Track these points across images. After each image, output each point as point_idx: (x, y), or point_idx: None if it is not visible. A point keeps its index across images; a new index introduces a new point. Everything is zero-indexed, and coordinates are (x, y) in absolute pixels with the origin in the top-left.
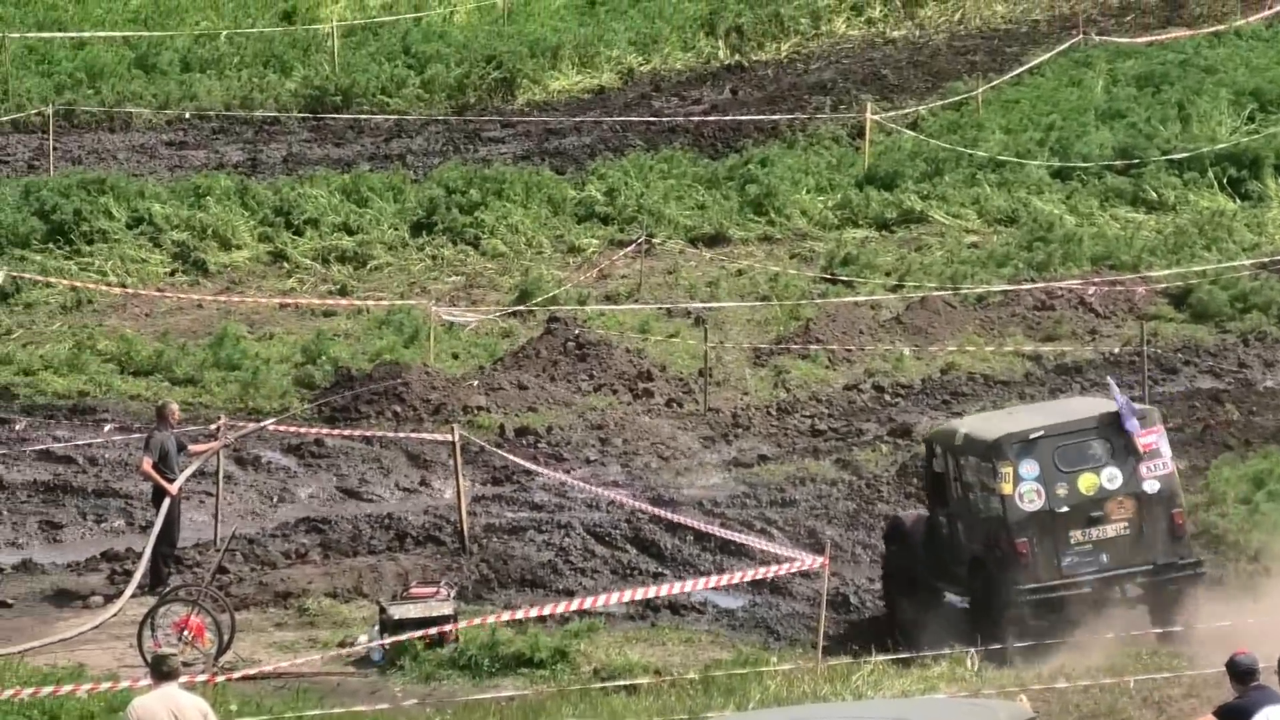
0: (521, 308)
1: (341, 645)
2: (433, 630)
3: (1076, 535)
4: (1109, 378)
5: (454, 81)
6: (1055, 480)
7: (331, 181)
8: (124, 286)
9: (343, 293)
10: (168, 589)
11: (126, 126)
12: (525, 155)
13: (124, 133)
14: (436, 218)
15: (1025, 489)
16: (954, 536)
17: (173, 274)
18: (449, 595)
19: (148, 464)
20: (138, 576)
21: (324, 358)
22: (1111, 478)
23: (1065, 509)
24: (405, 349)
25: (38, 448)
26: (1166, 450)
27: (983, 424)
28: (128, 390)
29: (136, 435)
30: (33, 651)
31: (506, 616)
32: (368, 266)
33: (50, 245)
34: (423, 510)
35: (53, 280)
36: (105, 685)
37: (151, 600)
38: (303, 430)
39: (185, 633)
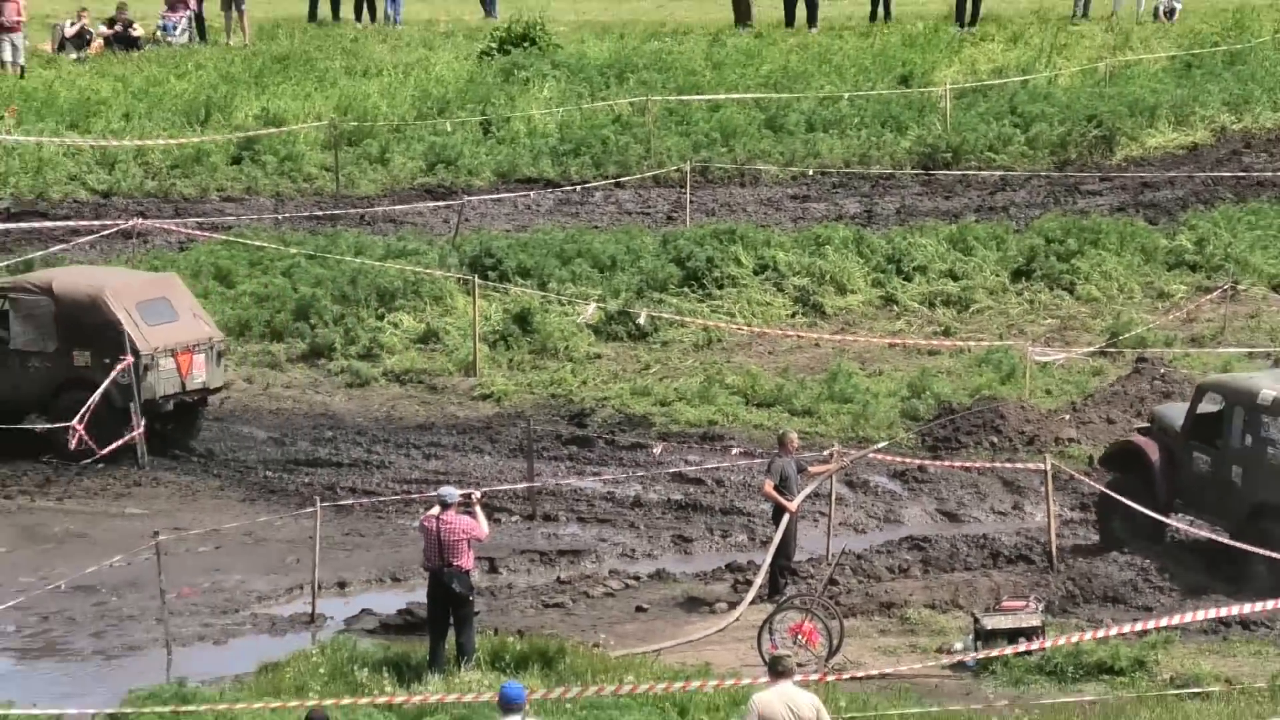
0: (1112, 349)
1: (939, 651)
2: (1022, 642)
3: None
4: None
5: (1057, 139)
6: None
7: (940, 231)
8: (750, 326)
9: (946, 334)
10: (784, 598)
11: (755, 181)
12: (1121, 207)
13: (753, 187)
14: (1035, 265)
15: None
16: (1222, 476)
17: (793, 315)
18: (1037, 608)
19: (769, 486)
20: (756, 585)
21: (927, 393)
22: None
23: None
24: (1002, 385)
25: (672, 470)
26: None
27: None
28: (751, 420)
29: (758, 460)
30: (665, 651)
31: (1089, 635)
32: (970, 310)
33: (685, 289)
34: (1014, 532)
35: (687, 320)
36: (729, 682)
37: (770, 607)
38: (906, 459)
39: (799, 637)
